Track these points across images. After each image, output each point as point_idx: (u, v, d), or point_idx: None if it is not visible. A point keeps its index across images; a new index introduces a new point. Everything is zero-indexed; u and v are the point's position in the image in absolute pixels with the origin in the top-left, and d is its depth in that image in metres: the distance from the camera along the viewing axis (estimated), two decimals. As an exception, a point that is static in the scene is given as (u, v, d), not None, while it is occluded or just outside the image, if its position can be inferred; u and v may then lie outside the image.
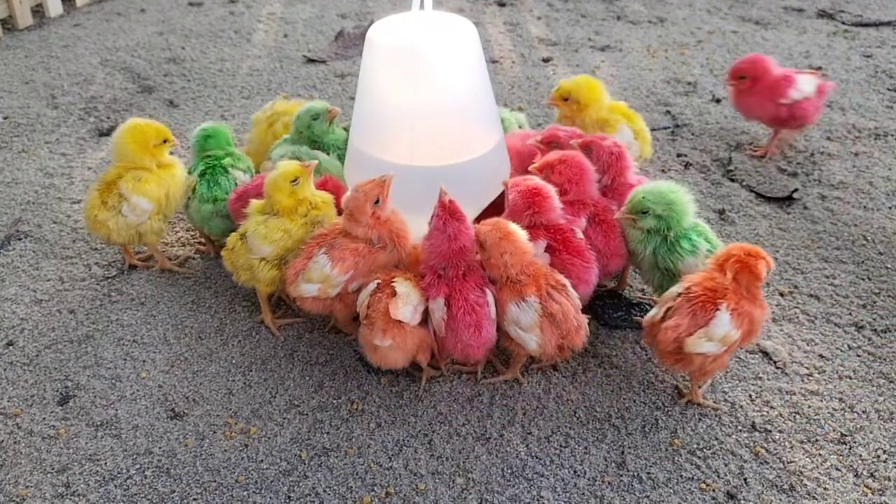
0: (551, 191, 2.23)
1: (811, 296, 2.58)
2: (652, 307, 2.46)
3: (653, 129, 3.57)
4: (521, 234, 2.09)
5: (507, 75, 4.18)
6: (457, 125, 2.26)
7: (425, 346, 2.09)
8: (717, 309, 1.96)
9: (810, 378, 2.26)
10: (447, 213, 2.05)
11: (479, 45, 2.28)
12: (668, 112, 3.75)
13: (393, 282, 2.05)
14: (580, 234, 2.23)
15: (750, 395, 2.19)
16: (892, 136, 3.56)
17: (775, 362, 2.31)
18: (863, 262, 2.74)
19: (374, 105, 2.26)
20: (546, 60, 4.37)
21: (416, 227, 2.23)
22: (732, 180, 3.23)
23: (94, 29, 4.61)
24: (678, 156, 3.40)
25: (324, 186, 2.38)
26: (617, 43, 4.60)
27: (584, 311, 2.39)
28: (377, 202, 2.13)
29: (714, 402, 2.17)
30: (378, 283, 2.06)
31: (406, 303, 2.02)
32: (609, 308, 2.48)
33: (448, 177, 2.25)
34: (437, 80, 2.18)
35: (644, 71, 4.23)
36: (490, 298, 2.06)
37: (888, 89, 4.03)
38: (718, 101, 3.88)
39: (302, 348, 2.33)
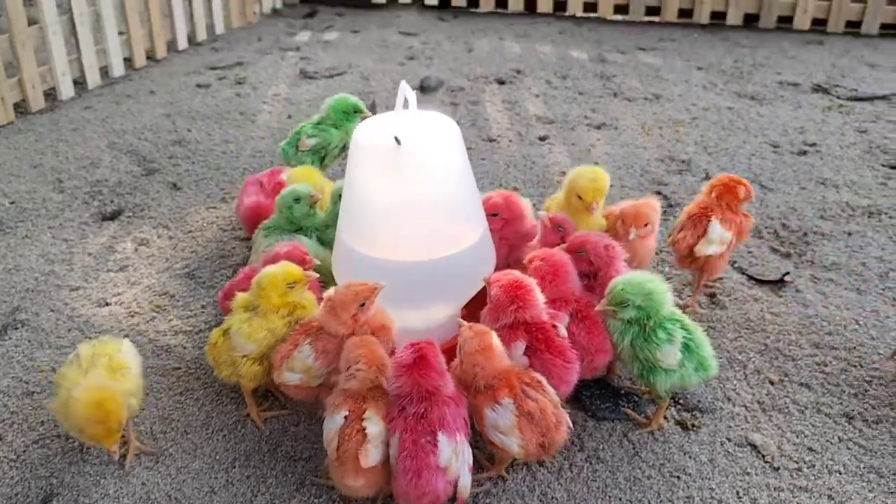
0: (534, 285, 2.25)
1: (802, 384, 2.56)
2: (641, 397, 2.47)
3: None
4: (499, 347, 2.09)
5: (504, 154, 4.25)
6: (440, 220, 2.31)
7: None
8: (710, 220, 2.71)
9: (799, 473, 2.22)
10: (417, 355, 1.99)
11: (461, 142, 2.34)
12: (660, 192, 3.79)
13: (364, 419, 1.96)
14: (563, 332, 2.23)
15: (737, 492, 2.16)
16: (885, 213, 3.57)
17: (764, 456, 2.27)
18: (854, 348, 2.72)
19: (360, 202, 2.32)
20: (542, 139, 4.44)
21: (400, 322, 2.26)
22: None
23: (103, 111, 4.75)
24: (668, 235, 3.42)
25: (289, 255, 2.40)
26: (613, 120, 4.68)
27: (571, 402, 2.41)
28: (363, 304, 2.16)
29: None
30: (346, 417, 1.97)
31: (377, 445, 1.95)
32: (597, 399, 2.47)
33: (433, 271, 2.28)
34: (420, 178, 2.23)
35: (638, 149, 4.29)
36: (443, 447, 1.92)
37: (882, 165, 4.06)
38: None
39: (287, 442, 2.32)
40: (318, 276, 2.41)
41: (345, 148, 3.53)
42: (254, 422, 2.38)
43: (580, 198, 2.70)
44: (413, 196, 2.24)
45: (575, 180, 2.73)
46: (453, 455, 1.94)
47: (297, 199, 2.77)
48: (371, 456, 1.93)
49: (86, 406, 1.99)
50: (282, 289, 2.26)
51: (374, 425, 1.96)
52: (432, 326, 2.39)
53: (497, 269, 2.44)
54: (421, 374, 1.98)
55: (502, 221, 2.67)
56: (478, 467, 2.22)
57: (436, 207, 2.27)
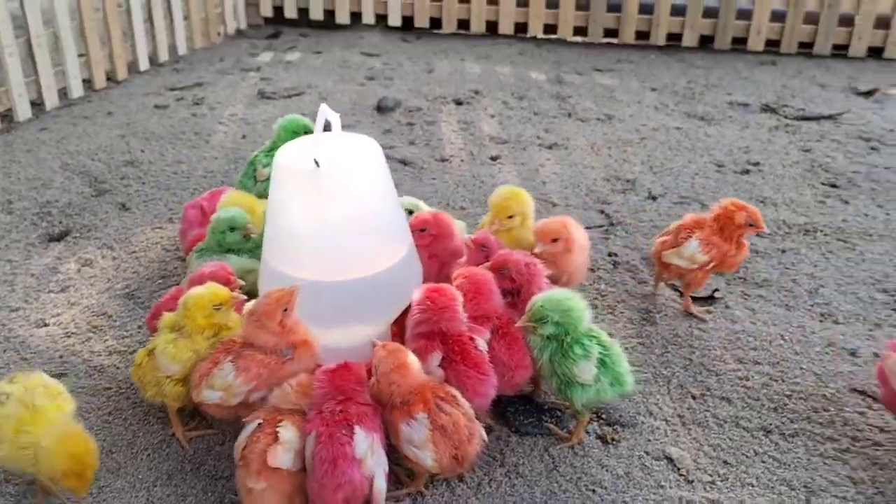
0: (457, 296, 2.30)
1: (723, 398, 2.61)
2: (564, 412, 2.52)
3: (587, 228, 3.69)
4: (414, 364, 2.14)
5: (454, 174, 4.31)
6: (362, 240, 2.35)
7: (305, 490, 2.02)
8: (691, 236, 2.81)
9: (712, 486, 2.27)
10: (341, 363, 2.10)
11: (383, 162, 2.40)
12: (603, 211, 3.86)
13: (279, 424, 2.01)
14: (482, 345, 2.28)
15: (650, 506, 2.20)
16: (821, 231, 3.66)
17: (679, 469, 2.32)
18: (778, 362, 2.78)
19: (282, 223, 2.36)
20: (494, 159, 4.51)
21: (326, 341, 2.30)
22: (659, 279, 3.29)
23: (59, 132, 4.78)
24: (609, 255, 3.49)
25: (213, 276, 2.42)
26: (564, 140, 4.75)
27: (496, 418, 2.45)
28: (286, 310, 2.20)
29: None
30: (259, 424, 2.03)
31: (288, 449, 1.98)
32: (520, 415, 2.51)
33: (356, 290, 2.33)
34: (340, 199, 2.28)
35: (586, 168, 4.36)
36: (359, 439, 1.97)
37: (822, 184, 4.15)
38: (654, 198, 4.00)
39: (210, 461, 2.35)
40: (245, 297, 2.44)
41: None
42: (179, 441, 2.40)
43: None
44: (334, 217, 2.29)
45: (490, 199, 2.84)
46: (369, 451, 1.99)
47: (232, 228, 2.80)
48: (279, 457, 1.95)
49: (61, 458, 1.99)
50: (207, 310, 2.29)
51: (287, 431, 2.01)
52: (359, 345, 2.43)
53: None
54: (342, 377, 2.07)
55: (430, 237, 2.72)
56: (397, 483, 2.26)
57: (357, 227, 2.32)
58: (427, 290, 2.31)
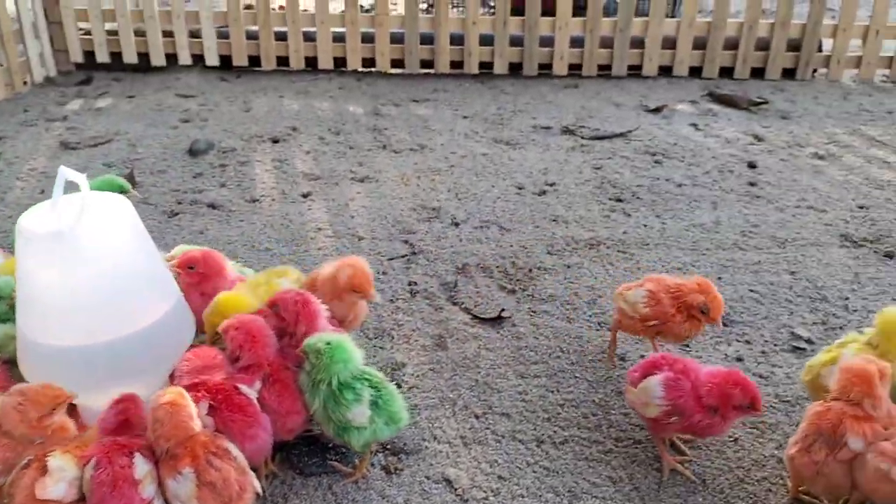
0: (218, 357, 2.33)
1: (503, 414, 2.77)
2: (350, 448, 2.57)
3: (390, 259, 3.81)
4: (185, 416, 2.13)
5: (263, 214, 4.32)
6: (115, 301, 2.32)
7: None
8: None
9: (486, 502, 2.40)
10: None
11: (134, 218, 2.39)
12: (407, 241, 3.99)
13: (47, 457, 1.99)
14: (247, 391, 2.31)
15: (425, 529, 2.30)
16: (603, 244, 3.94)
17: (456, 490, 2.44)
18: (555, 374, 2.98)
19: (29, 291, 2.30)
20: (305, 196, 4.56)
21: (96, 406, 2.25)
22: (454, 304, 3.45)
23: None
24: (409, 284, 3.61)
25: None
26: (376, 173, 4.87)
27: (281, 461, 2.47)
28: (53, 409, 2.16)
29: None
30: (28, 461, 2.01)
31: (59, 479, 1.96)
32: (305, 455, 2.55)
33: (115, 351, 2.29)
34: (87, 262, 2.25)
35: (395, 199, 4.49)
36: (139, 463, 2.03)
37: (609, 199, 4.48)
38: (457, 224, 4.17)
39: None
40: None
41: None
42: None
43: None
44: (80, 280, 2.25)
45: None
46: (150, 476, 2.03)
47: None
48: (49, 488, 1.92)
49: None
50: None
51: (56, 460, 1.98)
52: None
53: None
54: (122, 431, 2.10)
55: (200, 276, 2.73)
56: None
57: (107, 289, 2.29)
58: (193, 351, 2.34)
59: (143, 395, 2.36)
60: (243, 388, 2.32)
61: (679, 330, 2.77)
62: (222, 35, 6.87)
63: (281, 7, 6.89)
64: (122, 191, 3.45)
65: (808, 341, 3.15)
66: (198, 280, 2.71)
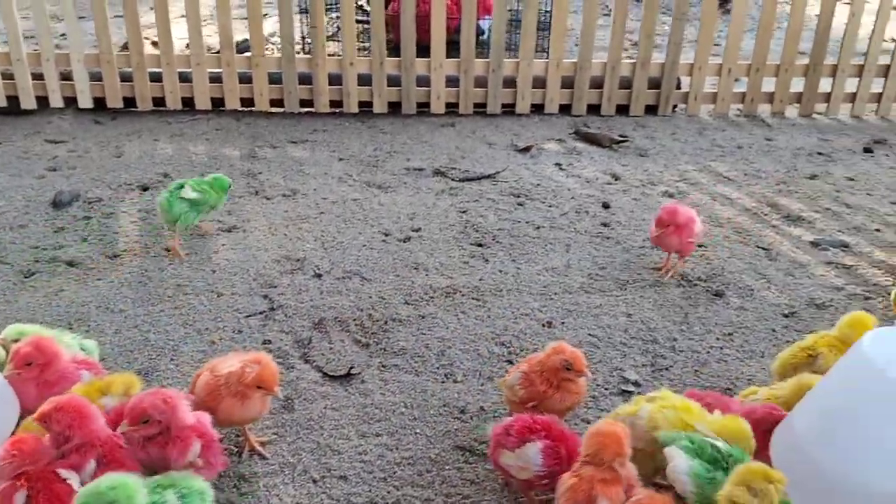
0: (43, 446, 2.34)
1: (340, 477, 2.86)
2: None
3: (247, 316, 3.86)
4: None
5: (122, 272, 4.28)
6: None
7: None
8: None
9: (314, 569, 2.49)
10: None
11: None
12: (267, 296, 4.04)
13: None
14: (66, 474, 2.33)
15: None
16: (459, 292, 4.10)
17: (285, 559, 2.52)
18: (396, 431, 3.10)
19: None
20: (168, 250, 4.54)
21: None
22: (307, 362, 3.53)
23: None
24: (263, 342, 3.66)
25: None
26: (243, 223, 4.90)
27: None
28: None
29: None
30: None
31: None
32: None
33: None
34: None
35: (259, 251, 4.53)
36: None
37: (470, 244, 4.65)
38: (320, 275, 4.25)
39: None
40: None
41: None
42: None
43: None
44: None
45: None
46: None
47: None
48: None
49: None
50: None
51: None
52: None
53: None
54: None
55: (39, 368, 2.73)
56: None
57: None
58: (12, 441, 2.34)
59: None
60: (63, 472, 2.34)
61: (559, 406, 2.79)
62: (95, 76, 6.75)
63: (154, 43, 6.81)
64: (228, 187, 4.55)
65: (636, 384, 3.38)
66: (37, 373, 2.72)
